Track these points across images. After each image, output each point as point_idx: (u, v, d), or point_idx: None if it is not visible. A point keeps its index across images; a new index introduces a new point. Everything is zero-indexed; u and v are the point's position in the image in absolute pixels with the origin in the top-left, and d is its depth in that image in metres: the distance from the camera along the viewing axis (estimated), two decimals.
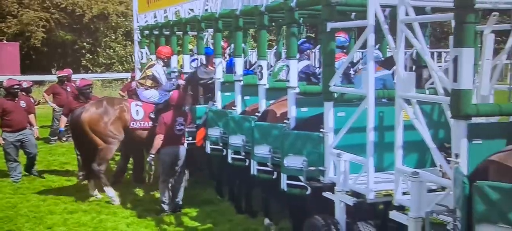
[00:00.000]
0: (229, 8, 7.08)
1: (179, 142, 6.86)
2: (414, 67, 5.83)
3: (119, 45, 24.02)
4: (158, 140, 6.72)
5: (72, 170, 9.05)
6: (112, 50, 24.05)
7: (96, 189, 7.44)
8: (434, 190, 4.35)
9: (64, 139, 11.24)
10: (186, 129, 7.14)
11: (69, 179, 8.58)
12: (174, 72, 9.44)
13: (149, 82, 8.03)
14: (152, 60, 8.79)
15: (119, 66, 24.00)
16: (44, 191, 7.87)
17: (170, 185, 6.88)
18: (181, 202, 7.00)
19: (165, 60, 8.40)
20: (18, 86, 8.73)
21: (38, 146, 10.65)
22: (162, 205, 6.84)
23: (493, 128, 3.95)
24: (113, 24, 23.68)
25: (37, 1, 22.82)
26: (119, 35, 24.03)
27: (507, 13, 4.82)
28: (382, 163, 5.20)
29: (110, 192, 7.28)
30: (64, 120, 8.71)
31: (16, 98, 8.51)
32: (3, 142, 8.28)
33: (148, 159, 6.94)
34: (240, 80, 6.89)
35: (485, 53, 4.43)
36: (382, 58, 6.30)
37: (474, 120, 4.06)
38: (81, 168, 7.89)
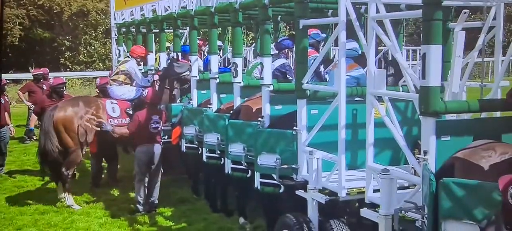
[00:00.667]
0: (205, 6, 7.04)
1: (155, 141, 6.79)
2: (383, 64, 5.86)
3: (99, 43, 23.78)
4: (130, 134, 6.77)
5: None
6: (92, 48, 23.80)
7: (64, 192, 7.22)
8: (408, 187, 4.38)
9: (35, 138, 11.08)
10: (162, 127, 7.08)
11: (42, 179, 8.42)
12: (151, 70, 9.37)
13: (122, 78, 7.94)
14: (127, 58, 8.70)
15: (99, 64, 23.75)
16: (15, 191, 7.74)
17: (145, 184, 6.81)
18: (156, 201, 6.94)
19: (139, 59, 8.33)
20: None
21: (13, 145, 10.55)
22: (137, 204, 6.78)
23: (461, 125, 3.97)
24: (93, 21, 23.43)
25: None
26: (99, 32, 23.78)
27: (480, 10, 4.88)
28: (355, 161, 5.22)
29: (69, 200, 7.08)
30: (34, 119, 8.58)
31: None
32: None
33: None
34: (215, 78, 6.86)
35: (455, 51, 4.46)
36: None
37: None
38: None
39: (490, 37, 4.83)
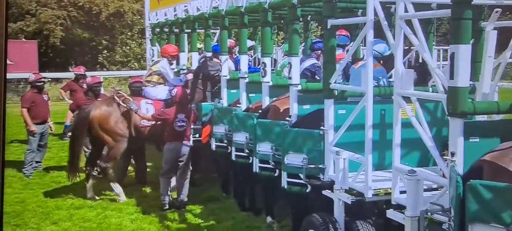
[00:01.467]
0: (236, 6, 7.07)
1: (182, 139, 6.88)
2: (410, 64, 5.75)
3: (135, 43, 24.21)
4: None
5: (81, 166, 9.10)
6: (128, 48, 24.26)
7: (113, 183, 7.41)
8: (437, 189, 4.28)
9: (70, 134, 11.33)
10: (191, 126, 7.15)
11: (78, 175, 8.62)
12: (183, 69, 9.47)
13: (155, 79, 8.04)
14: (159, 58, 8.80)
15: (135, 63, 24.20)
16: (53, 187, 7.96)
17: (173, 181, 6.90)
18: (186, 199, 7.01)
19: (170, 58, 8.40)
20: (43, 81, 9.00)
21: (52, 142, 10.86)
22: (162, 200, 6.85)
23: (491, 126, 3.85)
24: (129, 22, 23.89)
25: (55, 0, 23.11)
26: (135, 32, 24.23)
27: None
28: (383, 161, 5.13)
29: (117, 188, 7.32)
30: (70, 115, 8.82)
31: (41, 92, 8.75)
32: (34, 130, 8.41)
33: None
34: (245, 78, 6.88)
35: (487, 51, 4.34)
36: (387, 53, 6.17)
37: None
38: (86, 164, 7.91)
39: None
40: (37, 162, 8.76)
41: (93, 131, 7.45)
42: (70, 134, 11.24)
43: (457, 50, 3.49)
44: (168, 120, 6.83)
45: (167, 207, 6.85)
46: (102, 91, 9.59)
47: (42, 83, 8.92)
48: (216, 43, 9.63)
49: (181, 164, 6.87)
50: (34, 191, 7.72)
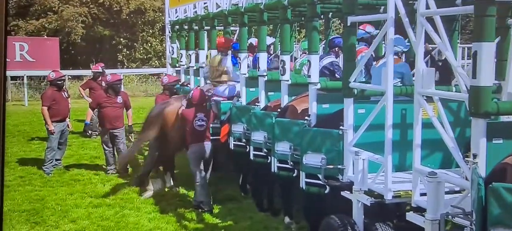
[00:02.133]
0: (255, 2, 7.08)
1: (203, 139, 6.91)
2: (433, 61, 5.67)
3: (156, 40, 24.41)
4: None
5: (101, 164, 9.25)
6: (148, 45, 24.47)
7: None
8: (459, 192, 4.21)
9: (90, 132, 11.50)
10: (211, 125, 7.18)
11: (98, 173, 8.78)
12: (202, 67, 9.52)
13: (225, 77, 8.05)
14: (216, 54, 8.54)
15: (156, 61, 24.40)
16: (72, 185, 8.09)
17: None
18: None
19: (222, 50, 8.27)
20: (64, 79, 9.17)
21: (72, 140, 11.04)
22: (199, 205, 6.83)
23: None
24: (150, 19, 24.09)
25: None
26: (156, 30, 24.42)
27: None
28: (404, 162, 5.07)
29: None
30: (90, 113, 8.95)
31: (61, 90, 8.92)
32: (52, 130, 8.57)
33: None
34: (263, 76, 6.87)
35: None
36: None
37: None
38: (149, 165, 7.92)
39: None
40: (57, 159, 8.92)
41: (166, 127, 7.46)
42: (90, 133, 11.51)
43: (480, 48, 3.43)
44: (188, 121, 6.86)
45: (206, 210, 6.78)
46: (122, 88, 9.71)
47: (62, 81, 9.07)
48: (236, 41, 9.66)
49: (205, 163, 6.91)
50: (54, 188, 7.86)
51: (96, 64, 13.57)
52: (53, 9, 23.19)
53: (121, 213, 6.70)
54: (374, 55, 6.30)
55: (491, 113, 3.50)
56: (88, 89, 12.03)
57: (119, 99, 8.79)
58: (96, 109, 9.13)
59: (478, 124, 3.51)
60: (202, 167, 6.95)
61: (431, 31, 4.02)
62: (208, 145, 6.99)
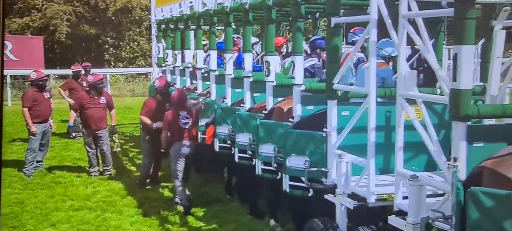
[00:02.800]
0: (240, 2, 7.09)
1: (187, 137, 7.00)
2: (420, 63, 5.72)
3: (143, 39, 24.35)
4: (164, 134, 7.03)
5: (84, 166, 9.22)
6: (136, 44, 24.40)
7: None
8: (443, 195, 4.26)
9: (74, 134, 11.45)
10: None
11: (80, 175, 8.75)
12: (189, 67, 9.53)
13: None
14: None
15: (142, 60, 24.34)
16: (53, 187, 8.06)
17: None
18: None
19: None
20: (45, 79, 9.12)
21: (55, 141, 11.00)
22: (185, 204, 6.89)
23: (496, 130, 3.83)
24: (137, 17, 24.03)
25: None
26: (143, 28, 24.35)
27: None
28: (389, 165, 5.11)
29: None
30: (73, 115, 8.92)
31: (43, 90, 8.88)
32: (34, 131, 8.53)
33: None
34: (249, 77, 6.90)
35: (495, 51, 4.31)
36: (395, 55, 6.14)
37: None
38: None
39: None
40: (38, 161, 8.88)
41: None
42: (74, 135, 11.45)
43: (460, 51, 3.47)
44: (170, 121, 6.93)
45: (184, 206, 6.89)
46: (109, 88, 9.66)
47: (43, 81, 9.02)
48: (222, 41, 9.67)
49: (188, 162, 7.01)
50: (34, 191, 7.82)
51: (82, 64, 13.51)
52: (37, 7, 23.07)
53: (102, 217, 6.68)
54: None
55: (471, 116, 3.54)
56: (68, 90, 11.94)
57: (102, 99, 8.77)
58: (78, 111, 9.09)
59: (458, 127, 3.55)
60: (183, 165, 6.99)
61: (412, 33, 4.06)
62: (191, 144, 7.03)
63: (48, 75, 13.01)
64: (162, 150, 7.37)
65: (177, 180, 7.01)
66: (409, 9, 4.11)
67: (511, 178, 3.13)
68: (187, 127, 7.03)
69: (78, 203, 7.23)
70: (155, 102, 8.14)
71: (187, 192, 7.12)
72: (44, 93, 8.94)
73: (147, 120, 7.93)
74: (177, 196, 7.08)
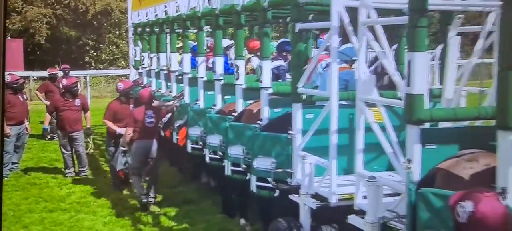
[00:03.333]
0: (211, 7, 7.08)
1: (152, 137, 6.98)
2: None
3: (123, 42, 24.12)
4: (128, 131, 6.97)
5: (60, 167, 9.10)
6: (115, 46, 24.17)
7: None
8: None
9: (49, 136, 11.27)
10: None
11: (56, 176, 8.64)
12: (163, 70, 9.48)
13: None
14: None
15: (122, 62, 24.11)
16: (28, 189, 7.94)
17: (144, 179, 6.96)
18: (153, 200, 7.03)
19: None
20: (19, 81, 8.95)
21: (32, 142, 10.83)
22: (142, 199, 6.87)
23: (448, 133, 3.88)
24: (117, 20, 23.80)
25: None
26: (123, 31, 24.12)
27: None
28: (352, 166, 5.14)
29: None
30: (48, 118, 8.79)
31: (18, 93, 8.72)
32: (8, 133, 8.37)
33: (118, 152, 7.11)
34: (220, 80, 6.89)
35: (450, 56, 4.37)
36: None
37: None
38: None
39: (490, 42, 4.70)
40: (13, 163, 8.73)
41: None
42: (50, 137, 11.26)
43: (413, 58, 3.51)
44: (138, 119, 6.95)
45: (146, 201, 6.88)
46: (89, 91, 9.53)
47: (17, 84, 8.85)
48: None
49: (149, 160, 6.95)
50: (8, 193, 7.67)
51: (62, 66, 13.31)
52: (17, 9, 22.68)
53: (76, 218, 6.60)
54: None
55: (424, 120, 3.59)
56: (44, 92, 11.73)
57: (77, 102, 8.66)
58: (54, 113, 8.97)
59: (412, 130, 3.60)
60: (142, 163, 6.97)
61: (371, 40, 4.10)
62: (154, 143, 7.01)
63: (24, 78, 12.70)
64: (122, 147, 7.26)
65: (134, 176, 7.00)
66: (368, 16, 4.16)
67: (463, 177, 3.18)
68: (151, 126, 6.99)
69: (52, 205, 7.13)
70: (119, 104, 8.03)
71: (152, 193, 7.04)
72: (19, 96, 8.79)
73: (111, 124, 7.82)
74: (141, 194, 6.97)
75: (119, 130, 7.62)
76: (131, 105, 7.87)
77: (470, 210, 2.42)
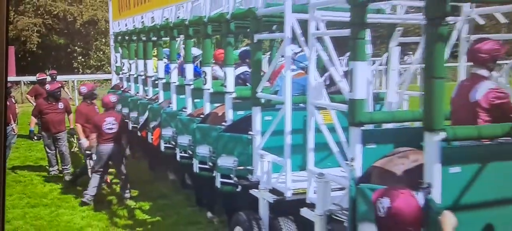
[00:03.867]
0: (181, 18, 7.00)
1: (112, 141, 6.87)
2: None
3: (108, 48, 23.76)
4: (91, 137, 6.94)
5: (45, 165, 8.89)
6: (102, 53, 23.82)
7: None
8: None
9: (35, 138, 10.98)
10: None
11: (40, 173, 8.43)
12: (141, 75, 9.33)
13: None
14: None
15: (109, 67, 23.74)
16: (12, 186, 7.71)
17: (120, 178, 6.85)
18: (128, 196, 6.94)
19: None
20: (8, 85, 8.68)
21: (20, 142, 10.56)
22: (86, 195, 6.73)
23: (386, 134, 3.90)
24: (103, 29, 23.45)
25: (32, 8, 22.47)
26: (109, 39, 23.76)
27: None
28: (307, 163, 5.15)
29: None
30: (34, 120, 8.57)
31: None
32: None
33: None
34: (190, 85, 6.82)
35: (390, 65, 4.40)
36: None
37: None
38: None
39: None
40: None
41: None
42: (36, 138, 10.96)
43: (355, 67, 3.51)
44: (98, 125, 6.87)
45: (89, 202, 6.71)
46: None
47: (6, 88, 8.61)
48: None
49: (111, 163, 6.88)
50: None
51: (50, 71, 13.01)
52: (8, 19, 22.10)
53: (56, 212, 6.45)
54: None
55: (365, 122, 3.59)
56: (34, 96, 11.44)
57: (61, 105, 8.45)
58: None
59: (354, 132, 3.60)
60: (104, 165, 6.88)
61: (320, 50, 4.10)
62: (114, 147, 6.89)
63: (16, 83, 12.38)
64: (87, 151, 7.12)
65: (94, 174, 6.85)
66: (318, 28, 4.15)
67: (395, 171, 3.19)
68: (111, 132, 6.87)
69: (34, 200, 6.95)
70: (86, 106, 7.93)
71: (127, 190, 6.92)
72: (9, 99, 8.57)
73: (80, 132, 7.66)
74: (89, 193, 6.79)
75: (82, 140, 7.49)
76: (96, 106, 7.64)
77: (387, 205, 2.42)
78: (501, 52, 3.30)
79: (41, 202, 6.86)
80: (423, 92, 2.93)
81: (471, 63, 3.42)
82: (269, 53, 8.81)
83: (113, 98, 7.36)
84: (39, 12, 22.62)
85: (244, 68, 6.64)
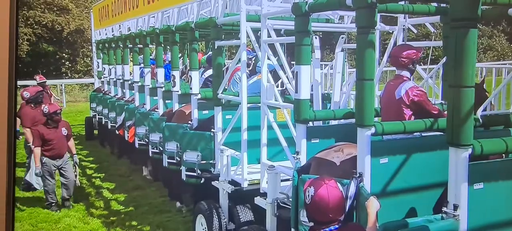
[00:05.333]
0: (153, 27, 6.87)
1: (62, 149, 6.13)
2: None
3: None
4: (37, 151, 6.04)
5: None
6: (89, 59, 23.26)
7: None
8: None
9: (20, 138, 10.56)
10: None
11: (23, 170, 8.09)
12: (120, 79, 9.13)
13: None
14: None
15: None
16: None
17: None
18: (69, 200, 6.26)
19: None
20: None
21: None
22: (51, 202, 6.08)
23: (328, 130, 3.90)
24: (89, 37, 22.88)
25: (22, 19, 21.72)
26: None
27: None
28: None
29: None
30: (18, 122, 8.21)
31: None
32: None
33: (36, 172, 6.14)
34: (161, 87, 6.70)
35: (336, 68, 4.40)
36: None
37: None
38: None
39: None
40: None
41: None
42: (20, 139, 10.47)
43: (299, 70, 3.49)
44: (45, 136, 6.06)
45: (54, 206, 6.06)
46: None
47: None
48: (153, 58, 9.25)
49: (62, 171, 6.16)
50: None
51: (39, 76, 12.50)
52: None
53: (33, 209, 6.19)
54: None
55: (309, 120, 3.57)
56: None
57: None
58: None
59: (299, 128, 3.58)
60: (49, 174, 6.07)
61: (270, 55, 4.06)
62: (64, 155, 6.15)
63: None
64: (37, 165, 6.11)
65: (47, 185, 6.08)
66: (269, 35, 4.11)
67: (329, 159, 3.19)
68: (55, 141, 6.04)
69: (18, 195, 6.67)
70: (31, 110, 7.15)
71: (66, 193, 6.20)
72: None
73: (29, 139, 6.86)
74: (53, 199, 6.09)
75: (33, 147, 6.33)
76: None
77: (312, 194, 2.40)
78: (418, 56, 3.37)
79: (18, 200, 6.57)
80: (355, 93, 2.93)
81: (395, 67, 3.47)
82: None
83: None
84: (29, 22, 21.89)
85: (211, 72, 6.54)
